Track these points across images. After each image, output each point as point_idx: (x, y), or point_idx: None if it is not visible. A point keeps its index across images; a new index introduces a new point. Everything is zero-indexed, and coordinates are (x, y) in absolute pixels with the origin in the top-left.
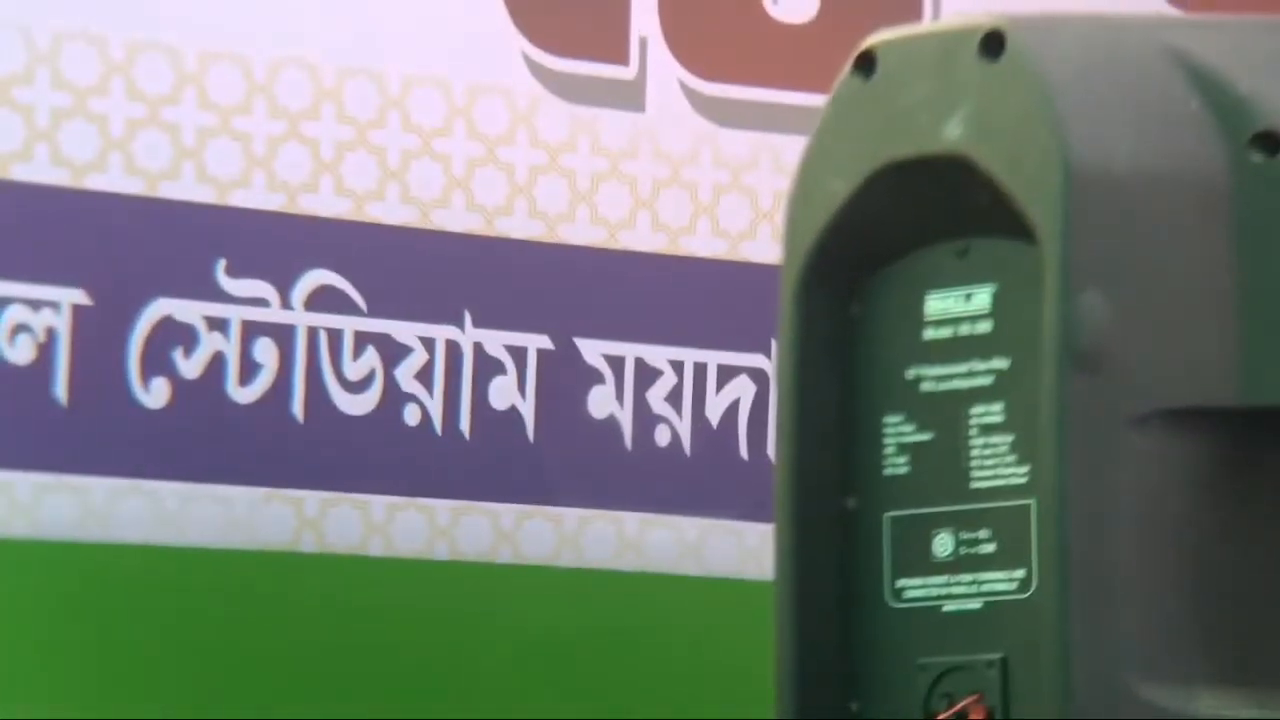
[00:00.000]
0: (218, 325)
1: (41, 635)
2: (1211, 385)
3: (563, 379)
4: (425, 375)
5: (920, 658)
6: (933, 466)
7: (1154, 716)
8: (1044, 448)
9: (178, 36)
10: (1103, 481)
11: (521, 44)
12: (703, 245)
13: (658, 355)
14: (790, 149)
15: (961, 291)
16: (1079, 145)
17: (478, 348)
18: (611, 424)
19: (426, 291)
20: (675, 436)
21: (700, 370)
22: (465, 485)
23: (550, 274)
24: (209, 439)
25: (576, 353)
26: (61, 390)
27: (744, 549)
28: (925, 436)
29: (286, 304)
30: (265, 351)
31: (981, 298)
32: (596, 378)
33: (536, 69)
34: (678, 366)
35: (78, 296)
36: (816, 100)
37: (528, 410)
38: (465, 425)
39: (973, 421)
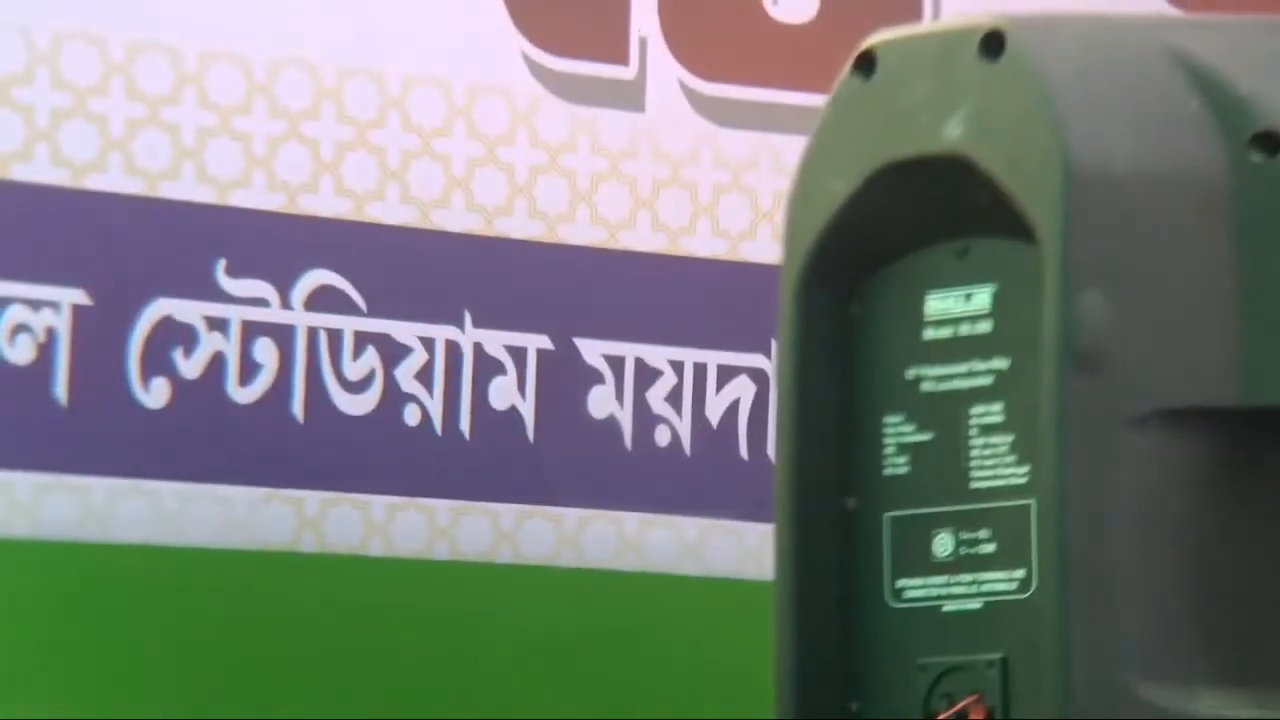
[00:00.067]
0: (218, 325)
1: (41, 635)
2: (1211, 385)
3: (563, 379)
4: (425, 375)
5: (920, 658)
6: (933, 466)
7: (1154, 716)
8: (1044, 448)
9: (178, 36)
10: (1103, 481)
11: (521, 44)
12: (703, 245)
13: (658, 355)
14: (790, 149)
15: (961, 291)
16: (1079, 145)
17: (478, 348)
18: (611, 424)
19: (426, 291)
20: (675, 436)
21: (700, 370)
22: (465, 485)
23: (550, 274)
24: (209, 439)
25: (576, 353)
26: (61, 390)
27: (744, 549)
28: (925, 436)
29: (286, 304)
30: (265, 351)
31: (981, 298)
32: (596, 378)
33: (536, 69)
34: (678, 366)
35: (78, 296)
36: (816, 100)
37: (528, 410)
38: (465, 425)
39: (973, 421)
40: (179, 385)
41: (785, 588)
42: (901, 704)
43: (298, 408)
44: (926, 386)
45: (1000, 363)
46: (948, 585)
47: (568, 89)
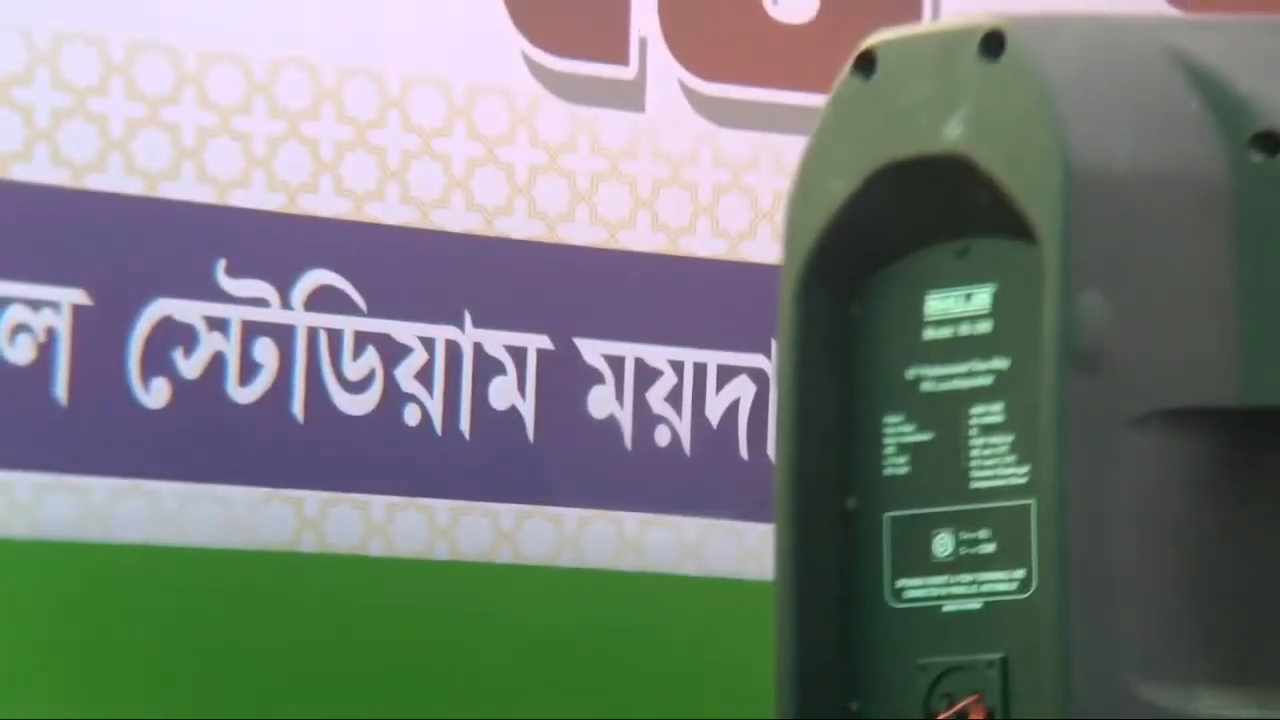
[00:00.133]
0: (218, 325)
1: (41, 635)
2: (1211, 385)
3: (563, 379)
4: (425, 375)
5: (920, 658)
6: (933, 466)
7: (1154, 716)
8: (1044, 448)
9: (178, 36)
10: (1103, 481)
11: (521, 44)
12: (703, 245)
13: (658, 355)
14: (790, 149)
15: (961, 291)
16: (1079, 145)
17: (478, 348)
18: (611, 424)
19: (426, 291)
20: (675, 436)
21: (700, 370)
22: (465, 485)
23: (550, 274)
24: (209, 439)
25: (576, 353)
26: (61, 390)
27: (744, 549)
28: (925, 436)
29: (286, 304)
30: (265, 351)
31: (981, 298)
32: (596, 378)
33: (536, 69)
34: (678, 366)
35: (78, 296)
36: (816, 100)
37: (528, 410)
38: (465, 425)
39: (973, 421)
40: (179, 385)
41: (785, 588)
42: (901, 704)
43: (298, 408)
44: (926, 386)
45: (1000, 363)
46: (948, 585)
47: (568, 89)
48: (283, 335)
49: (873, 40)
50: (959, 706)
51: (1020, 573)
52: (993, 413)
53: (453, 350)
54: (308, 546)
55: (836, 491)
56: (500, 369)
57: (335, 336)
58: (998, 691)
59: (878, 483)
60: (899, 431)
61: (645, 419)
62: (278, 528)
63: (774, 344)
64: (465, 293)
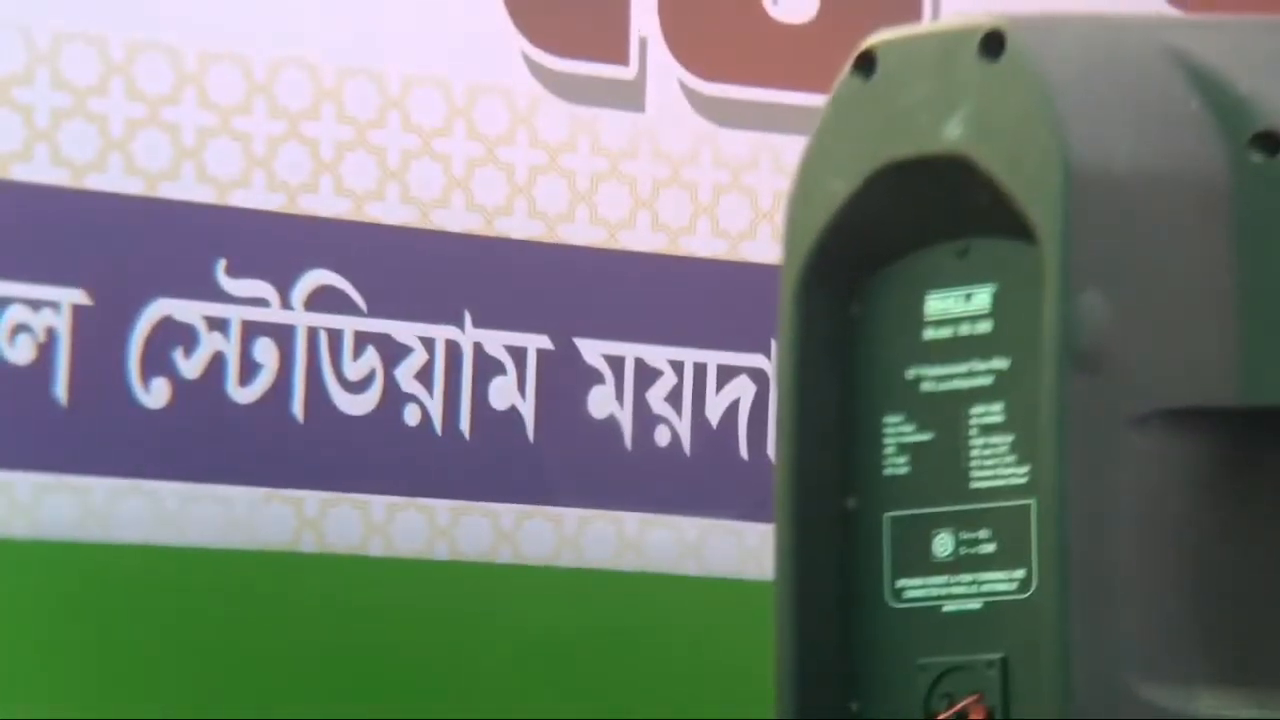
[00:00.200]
0: (218, 325)
1: (41, 635)
2: (1211, 385)
3: (563, 379)
4: (425, 375)
5: (920, 658)
6: (933, 466)
7: (1154, 716)
8: (1044, 448)
9: (178, 36)
10: (1103, 481)
11: (521, 44)
12: (703, 245)
13: (658, 355)
14: (790, 149)
15: (961, 291)
16: (1079, 145)
17: (478, 348)
18: (611, 424)
19: (426, 291)
20: (675, 436)
21: (700, 370)
22: (465, 485)
23: (550, 274)
24: (209, 439)
25: (576, 353)
26: (61, 390)
27: (744, 549)
28: (925, 436)
29: (286, 304)
30: (265, 351)
31: (981, 298)
32: (596, 378)
33: (536, 69)
34: (678, 366)
35: (78, 296)
36: (816, 100)
37: (528, 410)
38: (465, 425)
39: (973, 421)
40: (179, 385)
41: (785, 588)
42: (901, 704)
43: (298, 408)
44: (926, 386)
45: (1000, 363)
46: (948, 585)
47: (568, 89)
48: (283, 335)
49: (873, 40)
50: (959, 706)
51: (1020, 573)
52: (993, 413)
53: (453, 350)
54: (308, 546)
55: (836, 491)
56: (500, 369)
57: (335, 336)
58: (998, 691)
59: (878, 483)
60: (899, 431)
61: (645, 419)
62: (278, 528)
63: (774, 344)
64: (465, 293)
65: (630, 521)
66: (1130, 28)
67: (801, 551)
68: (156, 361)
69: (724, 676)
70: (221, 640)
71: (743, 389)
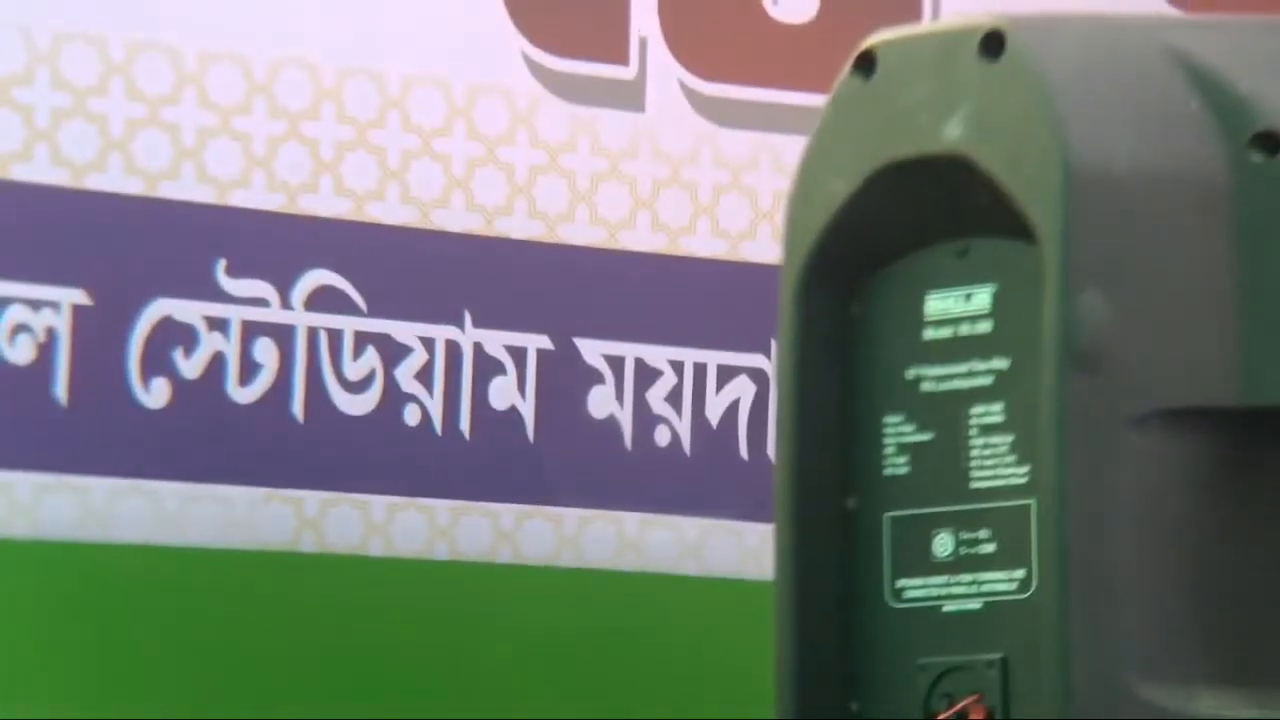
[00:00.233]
0: (218, 325)
1: (41, 635)
2: (1211, 385)
3: (563, 379)
4: (425, 375)
5: (920, 658)
6: (933, 466)
7: (1154, 716)
8: (1044, 448)
9: (178, 36)
10: (1103, 481)
11: (521, 44)
12: (703, 245)
13: (658, 355)
14: (790, 149)
15: (961, 291)
16: (1079, 145)
17: (478, 348)
18: (611, 424)
19: (426, 291)
20: (675, 436)
21: (700, 370)
22: (465, 485)
23: (550, 274)
24: (209, 439)
25: (576, 353)
26: (61, 390)
27: (744, 549)
28: (925, 436)
29: (286, 304)
30: (265, 351)
31: (981, 298)
32: (596, 378)
33: (536, 69)
34: (678, 366)
35: (78, 296)
36: (816, 100)
37: (528, 410)
38: (465, 425)
39: (973, 421)
40: (179, 385)
41: (785, 588)
42: (901, 704)
43: (298, 408)
44: (926, 386)
45: (1000, 363)
46: (948, 585)
47: (568, 89)
48: (283, 335)
49: (873, 40)
50: (959, 706)
51: (1020, 573)
52: (993, 413)
53: (453, 350)
54: (308, 546)
55: (836, 491)
56: (500, 369)
57: (335, 336)
58: (998, 691)
59: (878, 483)
60: (899, 431)
61: (645, 419)
62: (278, 528)
63: (774, 344)
64: (465, 293)
65: (630, 521)
66: (1130, 28)
67: (801, 551)
68: (156, 361)
69: (724, 676)
70: (221, 640)
71: (743, 389)
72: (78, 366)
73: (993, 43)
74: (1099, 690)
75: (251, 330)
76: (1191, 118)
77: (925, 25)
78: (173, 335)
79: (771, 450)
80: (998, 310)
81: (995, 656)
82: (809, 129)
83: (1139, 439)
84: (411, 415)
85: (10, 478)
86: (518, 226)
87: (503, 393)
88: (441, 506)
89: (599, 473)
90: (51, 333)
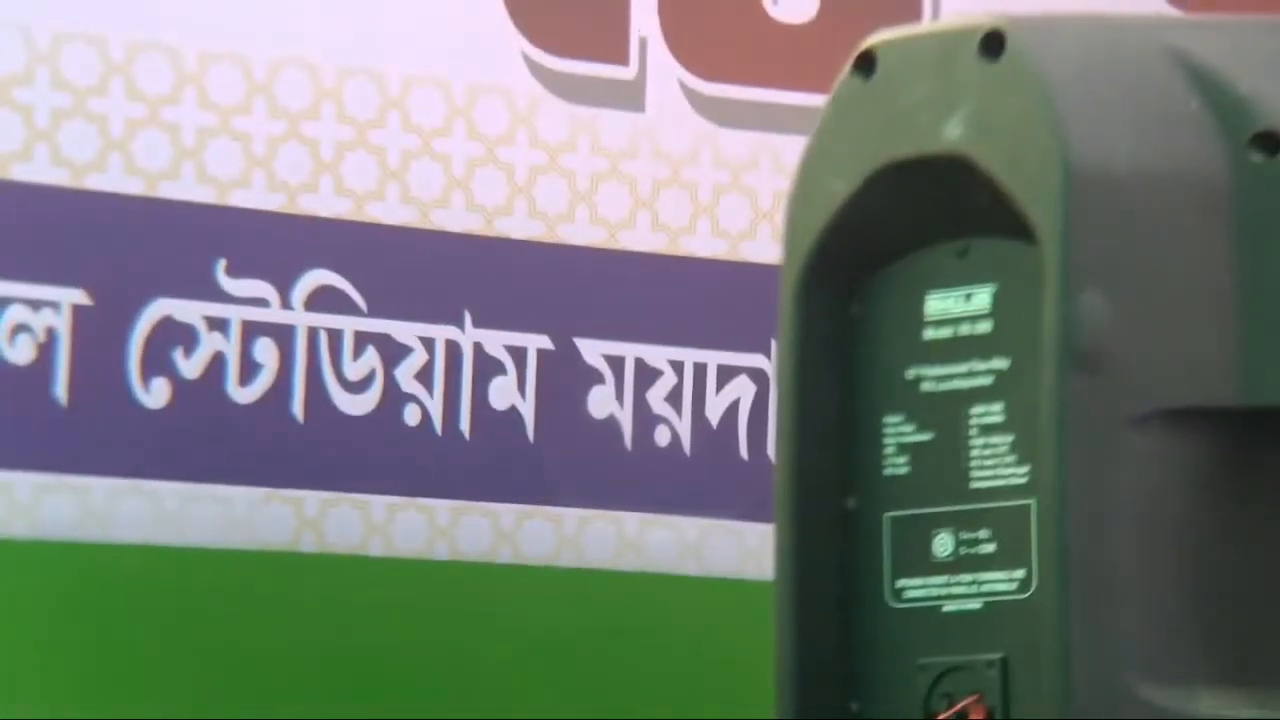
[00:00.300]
0: (218, 325)
1: (41, 635)
2: (1211, 385)
3: (563, 379)
4: (425, 375)
5: (920, 658)
6: (933, 466)
7: (1154, 716)
8: (1044, 448)
9: (178, 36)
10: (1103, 481)
11: (521, 44)
12: (703, 245)
13: (658, 355)
14: (790, 149)
15: (961, 291)
16: (1079, 145)
17: (478, 348)
18: (611, 424)
19: (426, 291)
20: (675, 436)
21: (700, 370)
22: (465, 485)
23: (550, 274)
24: (209, 439)
25: (576, 353)
26: (61, 390)
27: (744, 549)
28: (925, 436)
29: (286, 304)
30: (265, 351)
31: (981, 298)
32: (596, 378)
33: (536, 69)
34: (678, 366)
35: (78, 296)
36: (816, 100)
37: (528, 410)
38: (465, 425)
39: (973, 421)
40: (179, 385)
41: (785, 588)
42: (901, 704)
43: (298, 408)
44: (926, 386)
45: (1000, 363)
46: (948, 585)
47: (568, 89)
48: (283, 335)
49: (873, 40)
50: (959, 706)
51: (1020, 573)
52: (993, 413)
53: (453, 350)
54: (308, 546)
55: (836, 491)
56: (500, 369)
57: (335, 336)
58: (998, 691)
59: (878, 483)
60: (899, 431)
61: (645, 419)
62: (278, 528)
63: (774, 344)
64: (465, 293)
65: (630, 521)
66: (1130, 28)
67: (801, 551)
68: (156, 361)
69: (724, 676)
70: (221, 640)
71: (743, 389)
72: (78, 366)
73: (993, 43)
74: (1099, 690)
75: (251, 330)
76: (1191, 118)
77: (925, 25)
78: (173, 335)
79: (771, 450)
80: (998, 310)
81: (995, 656)
82: (809, 129)
83: (1139, 439)
84: (411, 415)
85: (10, 478)
86: (518, 226)
87: (503, 393)
88: (441, 506)
89: (599, 473)
90: (51, 333)
